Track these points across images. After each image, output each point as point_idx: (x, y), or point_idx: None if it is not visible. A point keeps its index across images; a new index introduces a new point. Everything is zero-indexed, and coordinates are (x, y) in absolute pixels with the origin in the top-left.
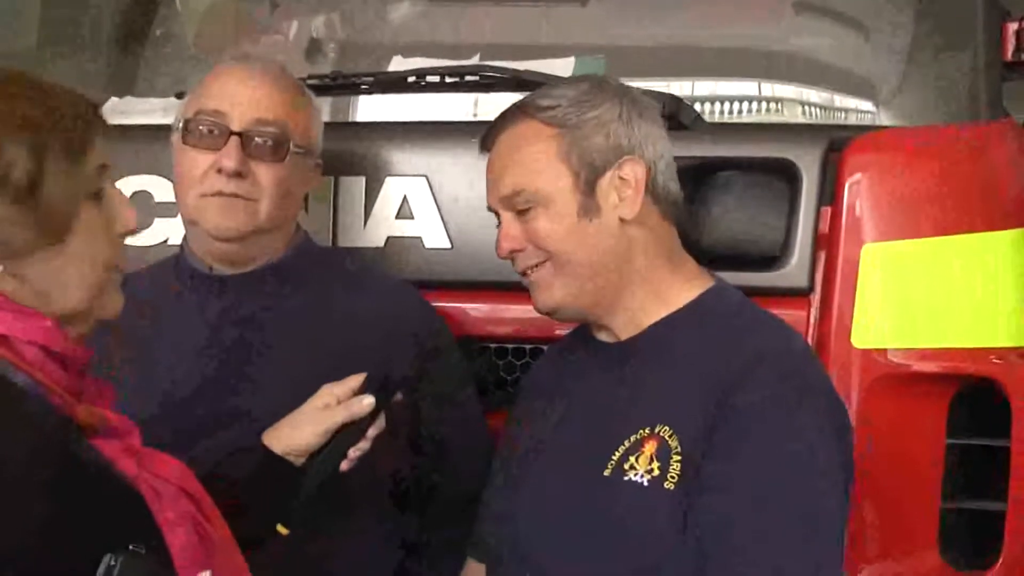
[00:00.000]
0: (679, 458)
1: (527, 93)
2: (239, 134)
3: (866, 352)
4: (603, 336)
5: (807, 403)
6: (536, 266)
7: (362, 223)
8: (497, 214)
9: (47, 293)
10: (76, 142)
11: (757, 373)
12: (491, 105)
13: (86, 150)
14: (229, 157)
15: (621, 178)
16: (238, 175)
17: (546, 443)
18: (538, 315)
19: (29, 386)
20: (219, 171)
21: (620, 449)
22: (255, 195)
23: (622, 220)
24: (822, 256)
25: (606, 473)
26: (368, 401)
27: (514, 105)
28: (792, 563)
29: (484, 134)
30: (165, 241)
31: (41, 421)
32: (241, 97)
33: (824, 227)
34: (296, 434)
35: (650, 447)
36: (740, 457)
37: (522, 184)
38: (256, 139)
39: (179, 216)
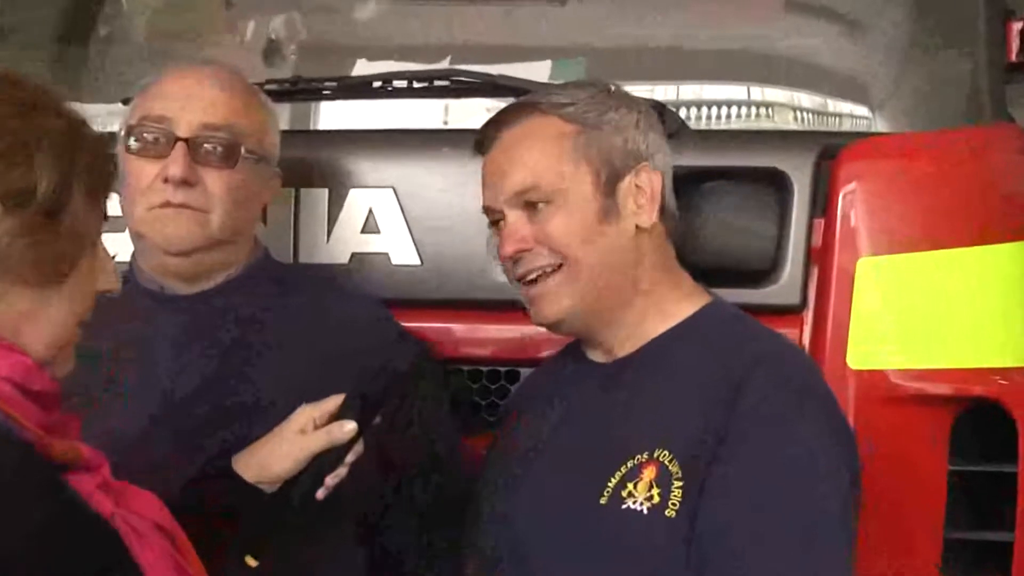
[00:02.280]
0: (680, 484)
1: (501, 99)
2: (186, 140)
3: (863, 373)
4: (595, 355)
5: (807, 406)
6: (544, 273)
7: (325, 238)
8: (494, 215)
9: (19, 332)
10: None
11: (756, 376)
12: (463, 112)
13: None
14: (176, 165)
15: (638, 185)
16: (185, 183)
17: (532, 468)
18: (514, 336)
19: (2, 424)
20: (166, 180)
21: (616, 475)
22: (205, 205)
23: (638, 228)
24: (815, 271)
25: (602, 501)
26: (350, 427)
27: (519, 102)
28: (790, 568)
29: (481, 134)
30: (113, 257)
31: (16, 461)
32: (187, 102)
33: (817, 240)
34: (270, 460)
35: (649, 473)
36: (739, 461)
37: (538, 178)
38: (204, 145)
39: (127, 231)
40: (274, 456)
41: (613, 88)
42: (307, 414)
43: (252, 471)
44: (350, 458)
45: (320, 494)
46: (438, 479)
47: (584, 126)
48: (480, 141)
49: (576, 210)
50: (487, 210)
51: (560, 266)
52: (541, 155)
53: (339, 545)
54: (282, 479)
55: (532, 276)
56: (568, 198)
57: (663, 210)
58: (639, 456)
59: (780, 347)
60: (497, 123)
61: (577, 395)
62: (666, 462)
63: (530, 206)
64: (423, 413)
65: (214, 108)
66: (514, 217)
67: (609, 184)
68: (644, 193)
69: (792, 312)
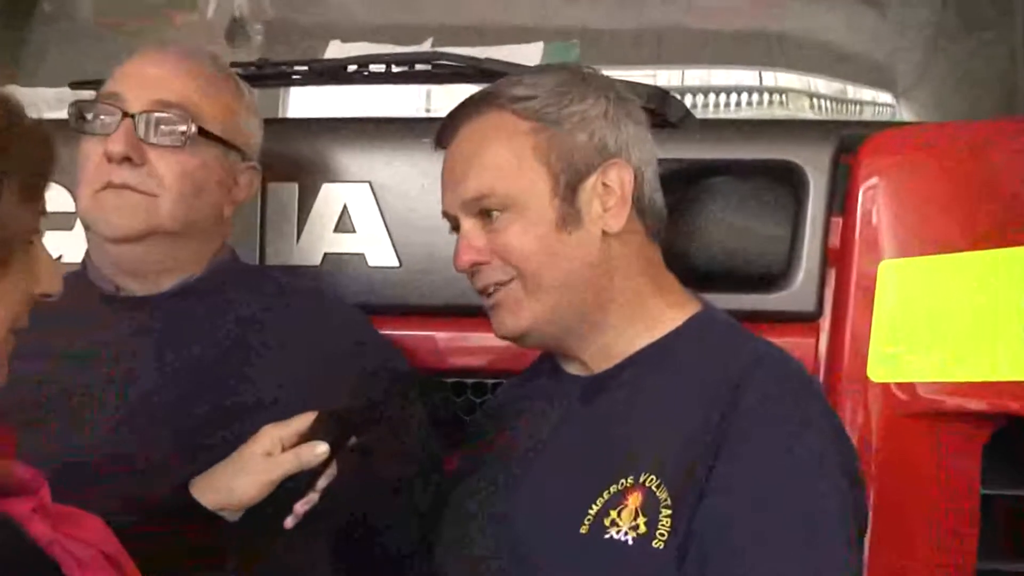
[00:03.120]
0: (669, 512)
1: (488, 85)
2: (132, 116)
3: (884, 387)
4: (572, 369)
5: (807, 406)
6: (501, 284)
7: (295, 237)
8: (453, 221)
9: None
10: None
11: (756, 376)
12: (446, 99)
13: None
14: (116, 141)
15: (605, 184)
16: (128, 161)
17: (509, 494)
18: (501, 345)
19: None
20: (109, 160)
21: (599, 502)
22: (152, 188)
23: (605, 233)
24: (832, 275)
25: (583, 531)
26: (321, 449)
27: (479, 94)
28: (791, 566)
29: (440, 127)
30: (59, 258)
31: None
32: (141, 78)
33: (835, 241)
34: (233, 486)
35: (634, 500)
36: (741, 459)
37: (491, 186)
38: (154, 123)
39: (76, 228)
40: (237, 482)
41: (583, 72)
42: (273, 434)
43: (213, 498)
44: (322, 483)
45: (289, 522)
46: (438, 479)
47: (543, 123)
48: (438, 135)
49: (533, 220)
50: (445, 215)
51: (516, 278)
52: (495, 159)
53: (317, 562)
54: (246, 506)
55: (491, 290)
56: (524, 207)
57: (641, 211)
58: (623, 481)
59: (776, 350)
60: (454, 117)
61: (556, 411)
62: (653, 487)
63: (484, 214)
64: (422, 419)
65: (170, 84)
66: (468, 226)
67: (569, 188)
68: (612, 193)
69: (807, 320)
